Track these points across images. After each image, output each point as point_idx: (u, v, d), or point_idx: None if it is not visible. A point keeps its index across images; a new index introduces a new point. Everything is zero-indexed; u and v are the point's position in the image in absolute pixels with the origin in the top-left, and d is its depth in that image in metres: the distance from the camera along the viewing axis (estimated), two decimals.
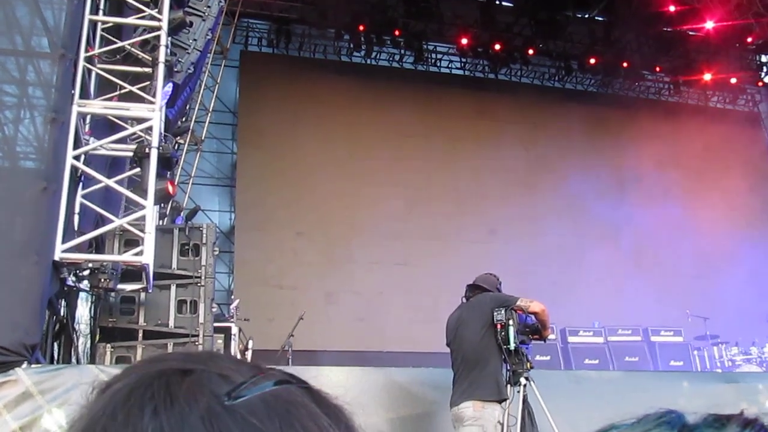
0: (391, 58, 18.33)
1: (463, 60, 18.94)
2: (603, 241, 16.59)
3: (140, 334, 7.23)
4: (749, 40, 18.19)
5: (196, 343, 7.24)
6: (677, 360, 13.31)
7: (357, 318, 15.23)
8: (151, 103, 7.32)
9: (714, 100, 20.51)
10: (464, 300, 6.05)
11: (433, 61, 18.69)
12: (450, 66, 18.99)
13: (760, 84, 20.25)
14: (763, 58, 20.04)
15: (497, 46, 17.95)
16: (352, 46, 17.71)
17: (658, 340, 13.56)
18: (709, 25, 16.83)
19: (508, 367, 5.48)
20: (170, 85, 7.92)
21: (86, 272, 6.82)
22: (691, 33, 17.96)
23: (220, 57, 16.07)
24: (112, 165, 7.95)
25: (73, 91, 7.09)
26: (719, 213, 17.55)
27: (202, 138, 15.74)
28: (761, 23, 16.96)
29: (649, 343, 13.54)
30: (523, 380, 5.42)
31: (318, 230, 15.75)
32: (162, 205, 9.59)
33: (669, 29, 17.93)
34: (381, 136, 16.93)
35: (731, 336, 12.75)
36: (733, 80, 19.37)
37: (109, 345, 7.06)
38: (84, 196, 7.28)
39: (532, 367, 5.60)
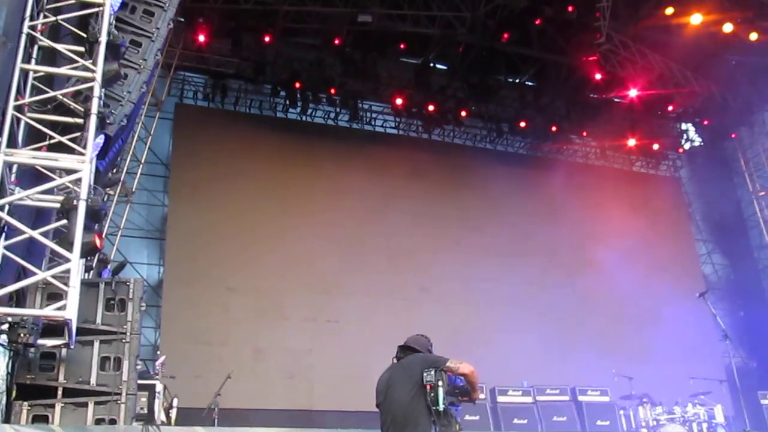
0: (326, 116, 18.49)
1: (398, 120, 19.25)
2: (532, 301, 16.86)
3: (60, 392, 6.96)
4: (670, 108, 19.05)
5: (119, 402, 7.02)
6: (604, 420, 13.46)
7: (286, 375, 15.00)
8: (82, 154, 7.20)
9: (638, 165, 21.26)
10: (394, 360, 6.04)
11: (368, 119, 18.92)
12: (384, 125, 19.26)
13: (681, 150, 21.12)
14: (683, 126, 20.95)
15: (431, 107, 18.32)
16: (288, 102, 17.80)
17: (585, 399, 13.72)
18: (633, 93, 17.60)
19: (437, 429, 5.46)
20: (102, 136, 7.80)
21: (5, 326, 6.57)
22: (616, 100, 18.72)
23: (154, 109, 15.96)
24: (37, 216, 7.75)
25: (0, 140, 6.94)
26: (644, 274, 18.04)
27: (133, 190, 15.50)
28: (681, 93, 17.81)
29: (577, 402, 13.69)
30: None
31: (249, 286, 15.56)
32: (88, 257, 9.36)
33: (595, 96, 18.65)
34: (314, 193, 16.94)
35: (655, 396, 12.98)
36: (656, 146, 20.19)
37: (26, 403, 6.78)
38: (6, 247, 7.06)
39: (460, 429, 5.58)
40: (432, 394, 5.46)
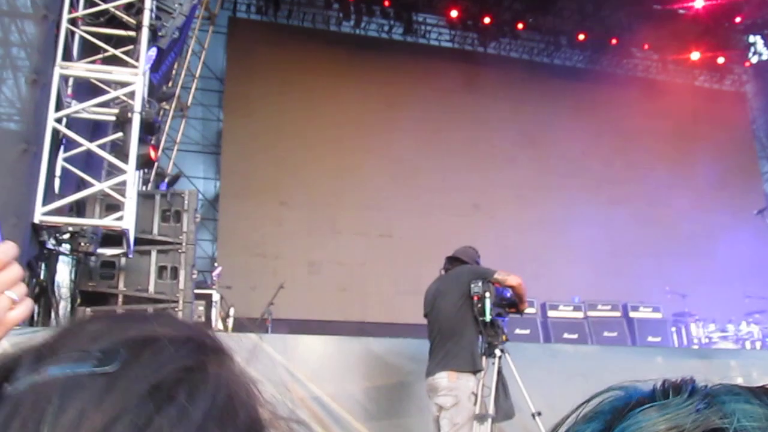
0: (380, 29, 18.20)
1: (453, 32, 18.84)
2: (585, 218, 16.69)
3: (120, 299, 7.24)
4: (737, 20, 18.18)
5: (176, 309, 7.27)
6: (655, 336, 13.46)
7: (339, 288, 15.29)
8: (135, 67, 7.28)
9: (701, 80, 20.53)
10: (443, 272, 6.10)
11: (422, 33, 18.58)
12: (439, 38, 18.89)
13: (747, 64, 20.26)
14: (751, 39, 20.03)
15: (487, 20, 17.86)
16: (341, 15, 17.56)
17: (636, 316, 13.67)
18: (699, 3, 16.82)
19: (484, 339, 5.54)
20: (154, 49, 7.86)
21: (66, 236, 6.81)
22: (680, 11, 17.92)
23: (207, 23, 15.91)
24: (94, 129, 7.91)
25: (55, 53, 7.04)
26: (703, 191, 17.69)
27: (188, 104, 15.63)
28: (750, 3, 16.97)
29: (628, 318, 13.66)
30: (498, 352, 5.48)
31: (302, 200, 15.75)
32: (145, 170, 9.56)
33: (659, 7, 17.88)
34: (368, 108, 16.88)
35: (708, 313, 12.91)
36: (721, 60, 19.38)
37: (89, 309, 7.08)
38: (65, 159, 7.27)
39: (507, 340, 5.66)
40: (479, 305, 5.54)
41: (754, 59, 20.26)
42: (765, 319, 12.47)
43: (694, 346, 12.48)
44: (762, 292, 13.36)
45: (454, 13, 17.63)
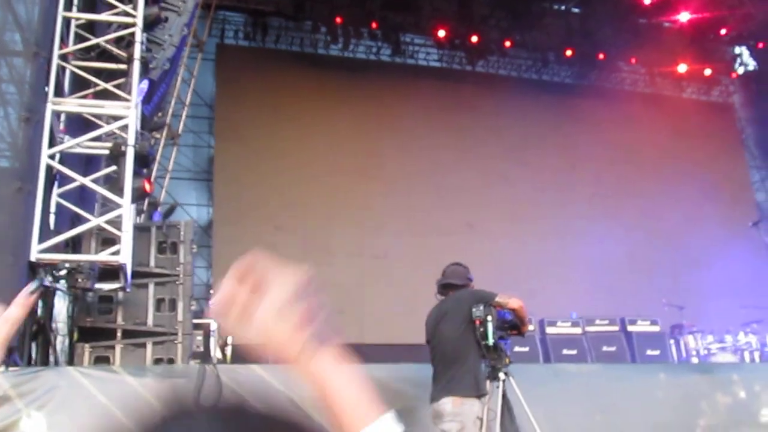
0: (368, 51, 18.29)
1: (441, 52, 18.94)
2: (578, 233, 16.72)
3: (119, 334, 7.20)
4: (723, 31, 18.35)
5: (175, 342, 7.23)
6: (654, 349, 13.44)
7: (336, 310, 15.14)
8: (127, 100, 7.27)
9: (689, 91, 20.68)
10: (438, 297, 6.09)
11: (410, 53, 18.67)
12: (427, 58, 18.98)
13: (734, 75, 20.44)
14: (737, 50, 20.22)
15: (474, 38, 17.96)
16: (329, 38, 17.63)
17: (634, 329, 13.65)
18: (684, 16, 16.97)
19: (487, 363, 5.53)
20: (146, 81, 7.86)
21: (63, 272, 6.78)
22: (666, 25, 18.09)
23: (196, 50, 15.95)
24: (87, 163, 7.89)
25: (47, 89, 7.03)
26: (695, 203, 17.76)
27: (179, 132, 15.63)
28: (735, 15, 17.15)
29: (626, 332, 13.65)
30: (502, 375, 5.47)
31: (296, 224, 15.73)
32: (139, 202, 9.53)
33: (644, 21, 18.05)
34: (359, 129, 16.93)
35: (706, 325, 12.91)
36: (708, 71, 19.53)
37: (87, 345, 7.03)
38: (59, 195, 7.24)
39: (510, 362, 5.65)
40: (481, 329, 5.53)
41: (741, 70, 20.45)
42: (762, 329, 12.49)
43: (693, 358, 12.48)
44: (758, 302, 13.39)
45: (441, 33, 17.72)
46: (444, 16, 17.72)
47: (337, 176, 16.28)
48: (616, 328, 13.72)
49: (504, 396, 5.42)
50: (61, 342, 7.19)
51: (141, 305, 7.35)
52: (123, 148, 6.93)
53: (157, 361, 7.15)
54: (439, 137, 17.28)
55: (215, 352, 9.43)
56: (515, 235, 16.70)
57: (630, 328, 13.72)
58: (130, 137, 7.01)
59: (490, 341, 5.47)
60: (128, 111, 7.16)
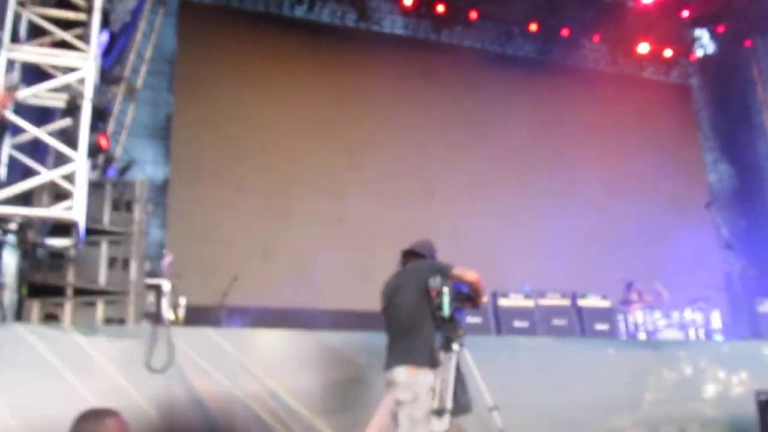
0: (333, 15, 18.03)
1: (406, 20, 18.76)
2: (537, 208, 16.91)
3: (69, 291, 7.06)
4: (685, 13, 18.49)
5: (127, 302, 7.13)
6: (603, 323, 13.67)
7: (293, 275, 15.18)
8: (85, 52, 7.07)
9: (649, 71, 20.86)
10: (400, 266, 6.08)
11: (376, 20, 18.45)
12: (393, 26, 18.79)
13: (693, 58, 20.66)
14: (697, 33, 20.41)
15: (440, 8, 17.84)
16: None
17: (585, 304, 13.87)
18: None
19: (442, 334, 5.55)
20: (106, 33, 7.66)
21: (13, 226, 6.61)
22: (629, 4, 18.17)
23: (158, 5, 15.55)
24: (41, 115, 7.67)
25: (2, 36, 6.80)
26: (649, 181, 18.05)
27: (138, 88, 15.28)
28: None
29: (576, 307, 13.87)
30: (455, 346, 5.50)
31: (257, 186, 15.57)
32: (94, 157, 9.32)
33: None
34: (322, 94, 16.76)
35: (656, 301, 13.19)
36: (668, 53, 19.71)
37: (37, 301, 6.90)
38: (12, 147, 7.04)
39: (464, 334, 5.68)
40: (437, 300, 5.54)
41: (700, 53, 20.66)
42: (708, 306, 12.83)
43: (641, 333, 12.77)
44: (706, 280, 13.72)
45: (408, 1, 17.55)
46: None
47: (299, 140, 16.14)
48: (567, 302, 13.92)
49: (457, 367, 5.46)
50: (8, 297, 7.03)
51: (93, 263, 7.22)
52: (79, 101, 6.74)
53: (108, 321, 7.05)
54: (403, 106, 17.21)
55: (167, 313, 9.33)
56: (475, 206, 16.79)
57: (580, 302, 13.92)
58: (87, 90, 6.83)
59: (446, 313, 5.48)
60: (86, 63, 6.97)
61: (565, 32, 18.83)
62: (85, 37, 7.19)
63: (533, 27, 18.64)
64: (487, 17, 18.66)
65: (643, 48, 19.17)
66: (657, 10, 17.70)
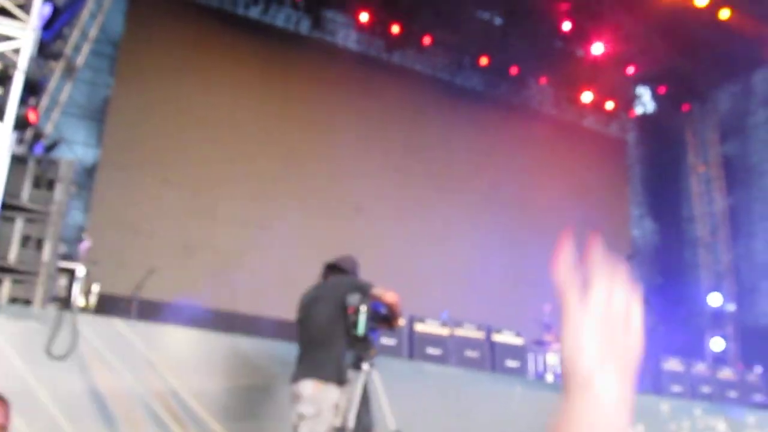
0: (288, 20, 17.95)
1: (360, 36, 18.82)
2: (464, 237, 17.11)
3: None
4: (631, 70, 19.07)
5: (36, 283, 6.89)
6: (513, 360, 13.86)
7: (212, 275, 14.96)
8: (24, 21, 6.86)
9: (589, 120, 21.38)
10: (321, 278, 6.06)
11: (329, 30, 18.46)
12: (346, 39, 18.81)
13: (632, 114, 21.30)
14: (639, 90, 21.07)
15: (395, 28, 17.96)
16: None
17: (499, 339, 14.03)
18: (598, 48, 17.54)
19: (353, 352, 5.54)
20: (49, 6, 7.44)
21: None
22: (579, 53, 18.64)
23: None
24: None
25: None
26: (576, 227, 18.37)
27: (78, 66, 14.88)
28: (644, 57, 17.88)
29: (490, 341, 14.02)
30: (365, 366, 5.49)
31: (186, 181, 15.33)
32: (20, 131, 9.02)
33: (561, 45, 18.56)
34: (265, 98, 16.68)
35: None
36: (610, 105, 20.25)
37: None
38: None
39: (376, 354, 5.68)
40: (353, 318, 5.53)
41: (640, 110, 21.33)
42: None
43: (549, 375, 12.98)
44: None
45: (364, 16, 17.61)
46: (369, 0, 17.64)
47: (236, 140, 15.99)
48: (481, 334, 14.08)
49: (364, 387, 5.45)
50: None
51: (5, 239, 6.96)
52: (11, 71, 6.53)
53: (13, 300, 6.80)
54: (344, 120, 17.24)
55: (77, 299, 9.05)
56: (401, 226, 16.90)
57: (495, 337, 14.07)
58: (22, 61, 6.62)
59: (360, 331, 5.48)
60: (24, 33, 6.75)
61: (513, 70, 19.16)
62: (26, 7, 6.97)
63: (483, 60, 18.91)
64: (440, 44, 18.86)
65: (587, 97, 19.65)
66: (605, 62, 18.20)
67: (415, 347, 13.11)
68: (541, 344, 13.65)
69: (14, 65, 6.59)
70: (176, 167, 15.29)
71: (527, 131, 19.16)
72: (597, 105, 20.23)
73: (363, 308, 5.50)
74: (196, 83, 15.89)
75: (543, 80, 19.97)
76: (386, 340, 12.25)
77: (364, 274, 6.05)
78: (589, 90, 19.53)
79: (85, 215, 15.01)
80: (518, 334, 14.16)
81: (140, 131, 15.14)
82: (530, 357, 13.80)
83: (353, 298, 5.53)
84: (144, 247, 14.15)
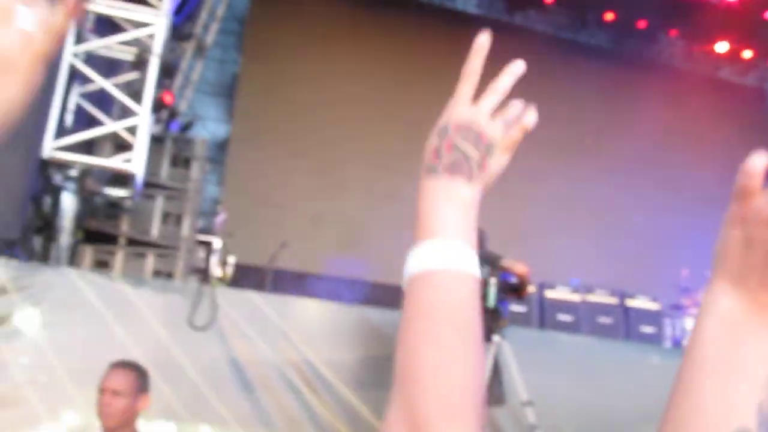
0: None
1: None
2: (595, 201, 16.62)
3: (122, 241, 7.21)
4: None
5: (177, 256, 7.24)
6: (649, 326, 13.41)
7: (341, 245, 15.24)
8: (158, 8, 7.14)
9: (725, 71, 20.21)
10: None
11: None
12: (466, 4, 18.53)
13: None
14: None
15: None
16: None
17: (633, 304, 13.62)
18: None
19: (483, 324, 5.52)
20: None
21: (74, 173, 6.75)
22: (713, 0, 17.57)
23: None
24: (110, 67, 7.79)
25: None
26: (710, 186, 17.54)
27: (208, 45, 15.38)
28: None
29: (624, 306, 13.62)
30: (495, 338, 5.47)
31: (313, 153, 15.61)
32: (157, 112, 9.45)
33: None
34: (388, 68, 16.65)
35: None
36: (748, 53, 19.03)
37: (90, 247, 7.05)
38: (80, 96, 7.16)
39: (506, 325, 5.64)
40: (483, 290, 5.49)
41: None
42: None
43: (686, 340, 12.48)
44: None
45: None
46: None
47: (361, 112, 16.10)
48: (615, 300, 13.69)
49: (495, 358, 5.43)
50: (64, 242, 7.21)
51: (147, 216, 7.35)
52: (148, 56, 6.82)
53: (157, 274, 7.18)
54: None
55: (216, 270, 9.45)
56: (525, 195, 16.58)
57: (628, 302, 13.66)
58: (156, 46, 6.90)
59: (490, 303, 5.45)
60: (158, 19, 7.03)
61: (642, 24, 18.31)
62: None
63: (609, 16, 18.17)
64: (562, 2, 18.27)
65: (722, 47, 18.53)
66: (740, 7, 17.06)
67: (546, 314, 12.93)
68: (678, 308, 13.13)
69: (149, 50, 6.90)
70: (304, 140, 15.58)
71: (659, 87, 18.29)
72: (733, 54, 19.03)
73: (492, 280, 5.47)
74: (321, 57, 16.08)
75: (673, 32, 18.94)
76: (516, 308, 12.14)
77: (493, 241, 5.99)
78: (723, 40, 18.38)
79: (219, 188, 15.61)
80: (654, 299, 13.69)
81: (268, 105, 15.52)
82: (667, 322, 13.33)
83: (482, 271, 5.49)
84: (275, 218, 14.55)
